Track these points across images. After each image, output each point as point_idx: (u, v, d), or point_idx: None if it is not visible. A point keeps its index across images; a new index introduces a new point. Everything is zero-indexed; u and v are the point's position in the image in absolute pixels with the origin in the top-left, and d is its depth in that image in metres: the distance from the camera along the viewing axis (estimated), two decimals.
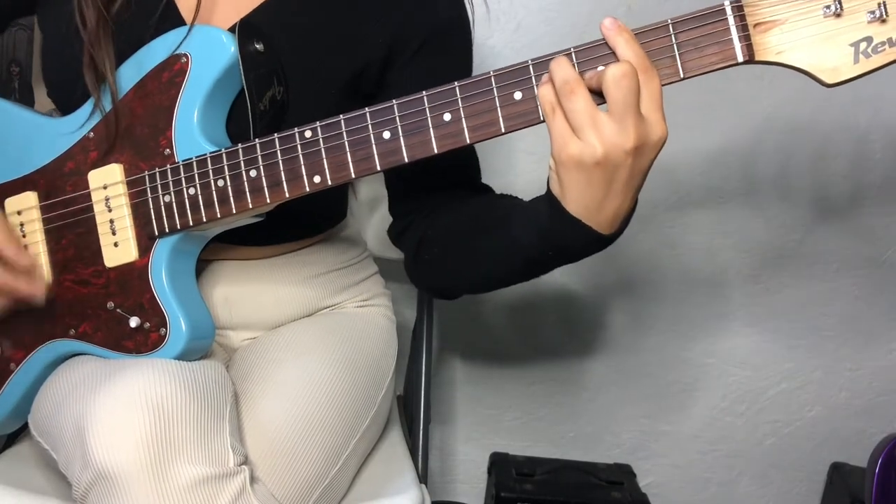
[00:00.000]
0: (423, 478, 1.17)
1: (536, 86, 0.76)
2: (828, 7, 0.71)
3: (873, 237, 1.62)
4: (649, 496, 1.55)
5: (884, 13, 0.70)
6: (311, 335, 1.04)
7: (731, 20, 0.73)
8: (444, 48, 0.98)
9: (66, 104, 0.96)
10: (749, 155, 1.58)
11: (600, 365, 1.70)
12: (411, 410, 1.25)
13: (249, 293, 1.04)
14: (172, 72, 0.88)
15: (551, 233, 0.80)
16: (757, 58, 0.73)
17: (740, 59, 0.73)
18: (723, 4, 0.73)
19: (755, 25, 0.73)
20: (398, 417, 1.20)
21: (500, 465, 1.61)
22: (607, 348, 1.69)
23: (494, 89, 0.78)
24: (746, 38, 0.73)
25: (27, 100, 1.27)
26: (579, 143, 0.73)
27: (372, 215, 1.33)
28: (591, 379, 1.71)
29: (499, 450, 1.69)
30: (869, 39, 0.71)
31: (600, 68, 0.74)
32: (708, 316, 1.67)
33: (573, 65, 0.75)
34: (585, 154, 0.73)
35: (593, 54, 0.75)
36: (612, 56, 0.74)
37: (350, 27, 0.95)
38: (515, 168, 1.56)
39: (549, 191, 0.79)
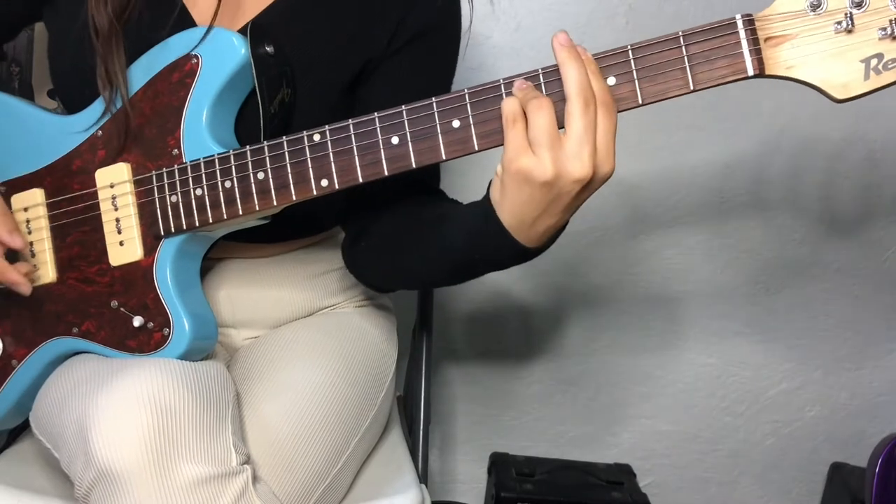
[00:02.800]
0: (423, 478, 1.17)
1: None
2: (839, 23, 0.71)
3: (873, 237, 1.62)
4: (649, 496, 1.55)
5: (895, 30, 0.70)
6: (311, 335, 1.04)
7: (742, 34, 0.73)
8: (432, 45, 0.98)
9: (73, 103, 0.96)
10: (750, 155, 1.58)
11: (601, 364, 1.70)
12: (411, 411, 1.25)
13: (251, 292, 1.05)
14: (183, 72, 0.89)
15: (479, 238, 0.81)
16: (767, 72, 0.74)
17: (751, 72, 0.73)
18: (734, 18, 0.73)
19: (766, 39, 0.73)
20: (398, 418, 1.20)
21: (500, 465, 1.61)
22: (607, 348, 1.69)
23: (504, 97, 0.78)
24: (757, 52, 0.73)
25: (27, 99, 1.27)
26: (532, 158, 0.73)
27: None
28: (590, 379, 1.70)
29: (499, 450, 1.69)
30: (880, 56, 0.71)
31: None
32: (708, 316, 1.67)
33: (538, 86, 0.76)
34: (536, 170, 0.73)
35: (558, 76, 0.75)
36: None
37: (355, 27, 0.95)
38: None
39: (486, 196, 0.80)
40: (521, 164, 0.74)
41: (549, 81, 0.76)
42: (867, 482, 1.31)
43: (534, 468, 1.61)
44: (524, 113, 0.74)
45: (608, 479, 1.58)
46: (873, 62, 0.71)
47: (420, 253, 0.91)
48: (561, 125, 0.74)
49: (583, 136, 0.72)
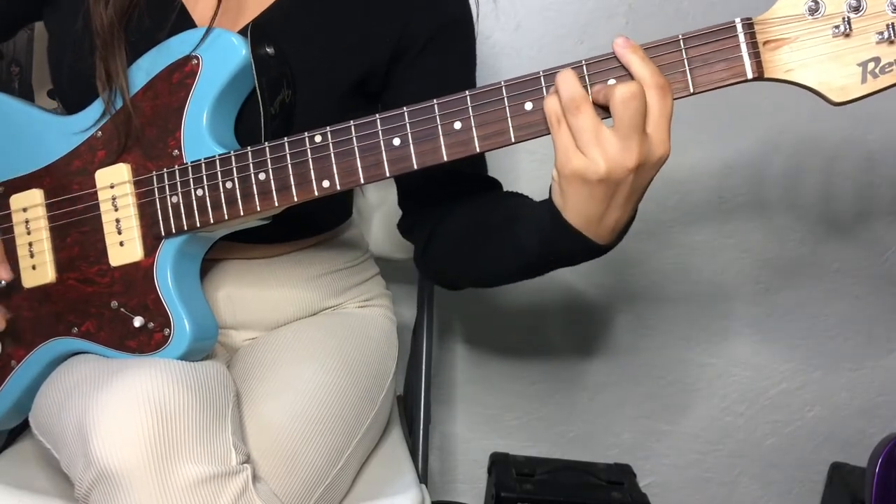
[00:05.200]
0: (423, 478, 1.17)
1: (546, 97, 0.77)
2: (837, 27, 0.72)
3: (873, 237, 1.62)
4: (649, 496, 1.55)
5: (892, 35, 0.71)
6: (312, 335, 1.04)
7: (741, 37, 0.74)
8: (448, 47, 0.98)
9: (73, 103, 0.96)
10: (749, 156, 1.58)
11: (600, 365, 1.70)
12: (411, 411, 1.25)
13: (252, 293, 1.04)
14: (183, 73, 0.89)
15: (552, 240, 0.81)
16: (766, 75, 0.74)
17: (750, 75, 0.74)
18: (733, 21, 0.74)
19: (765, 43, 0.74)
20: (398, 418, 1.20)
21: (500, 465, 1.61)
22: (607, 348, 1.69)
23: (505, 99, 0.78)
24: (756, 56, 0.74)
25: (27, 100, 1.27)
26: (583, 159, 0.73)
27: (376, 215, 1.33)
28: (591, 379, 1.71)
29: (499, 450, 1.69)
30: (877, 60, 0.72)
31: (611, 82, 0.75)
32: (708, 316, 1.67)
33: (581, 78, 0.75)
34: (589, 170, 0.73)
35: (604, 67, 0.75)
36: (623, 70, 0.74)
37: (358, 28, 0.95)
38: (517, 168, 1.56)
39: (550, 200, 0.80)
40: (574, 166, 0.74)
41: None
42: (867, 482, 1.30)
43: (534, 468, 1.61)
44: (565, 116, 0.74)
45: (608, 479, 1.58)
46: (870, 66, 0.72)
47: (494, 258, 0.91)
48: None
49: (629, 126, 0.72)
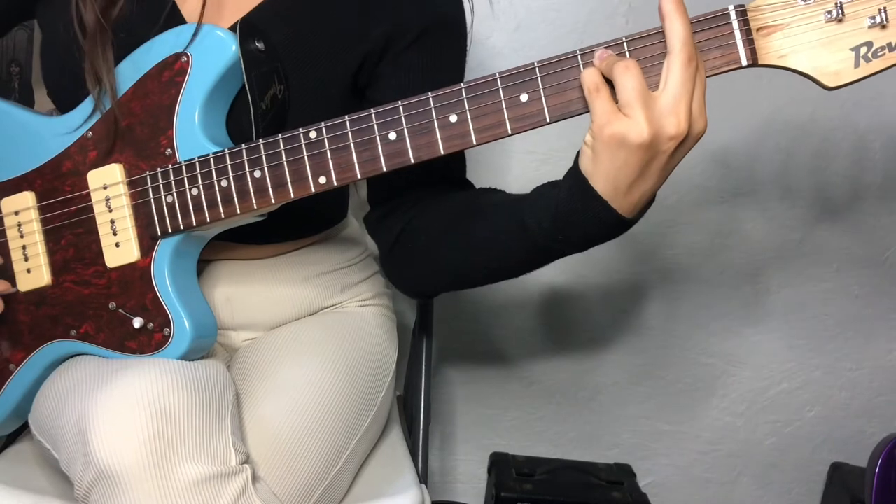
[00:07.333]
0: (423, 478, 1.16)
1: (542, 88, 0.77)
2: (829, 12, 0.73)
3: (873, 237, 1.62)
4: (649, 496, 1.55)
5: (884, 19, 0.72)
6: (311, 335, 1.04)
7: (735, 24, 0.74)
8: (439, 44, 0.97)
9: (65, 104, 0.95)
10: (749, 154, 1.58)
11: (600, 365, 1.70)
12: (411, 410, 1.25)
13: (251, 293, 1.04)
14: (173, 71, 0.88)
15: (568, 214, 0.79)
16: (760, 62, 0.75)
17: (744, 62, 0.75)
18: (727, 9, 0.74)
19: (758, 30, 0.74)
20: (398, 418, 1.20)
21: (500, 465, 1.61)
22: (608, 348, 1.69)
23: (500, 91, 0.78)
24: (750, 42, 0.74)
25: (27, 100, 1.27)
26: (626, 121, 0.73)
27: None
28: (591, 379, 1.70)
29: (499, 450, 1.69)
30: (869, 44, 0.72)
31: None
32: (708, 316, 1.67)
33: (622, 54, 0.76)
34: (632, 132, 0.72)
35: (644, 44, 0.76)
36: (663, 48, 0.74)
37: (351, 23, 0.95)
38: (514, 168, 1.56)
39: (575, 168, 0.78)
40: (615, 129, 0.73)
41: (634, 49, 0.76)
42: (867, 482, 1.30)
43: (534, 468, 1.61)
44: (606, 81, 0.74)
45: (608, 479, 1.58)
46: (863, 50, 0.73)
47: (488, 244, 0.88)
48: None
49: (681, 90, 0.72)
